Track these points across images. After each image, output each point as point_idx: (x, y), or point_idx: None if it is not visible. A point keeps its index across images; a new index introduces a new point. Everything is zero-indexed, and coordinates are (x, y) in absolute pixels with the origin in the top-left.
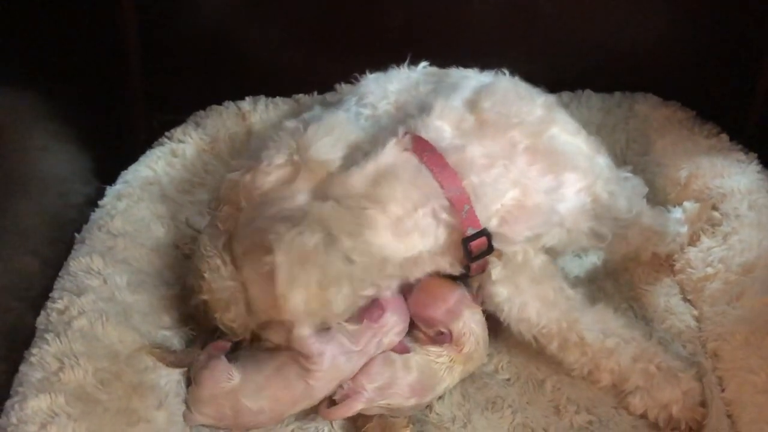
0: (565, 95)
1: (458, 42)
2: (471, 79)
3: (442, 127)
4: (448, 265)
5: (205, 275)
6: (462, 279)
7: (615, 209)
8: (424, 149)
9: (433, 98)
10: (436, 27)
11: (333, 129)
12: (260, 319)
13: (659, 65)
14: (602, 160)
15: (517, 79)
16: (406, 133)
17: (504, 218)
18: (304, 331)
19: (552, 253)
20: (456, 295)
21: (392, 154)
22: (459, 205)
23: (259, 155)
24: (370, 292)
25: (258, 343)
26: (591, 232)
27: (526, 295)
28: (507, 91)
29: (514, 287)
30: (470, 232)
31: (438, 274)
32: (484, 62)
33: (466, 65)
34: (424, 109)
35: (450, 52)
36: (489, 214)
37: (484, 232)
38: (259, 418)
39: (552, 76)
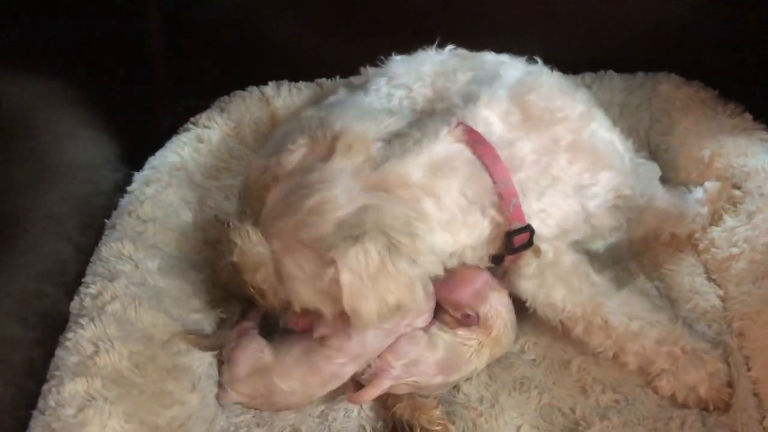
0: (588, 76)
1: (479, 23)
2: (509, 66)
3: (490, 118)
4: (479, 258)
5: (237, 241)
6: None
7: (634, 198)
8: (476, 141)
9: (477, 88)
10: (456, 9)
11: (364, 111)
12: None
13: (681, 45)
14: (628, 157)
15: (552, 70)
16: (459, 124)
17: (542, 218)
18: (366, 332)
19: (574, 245)
20: (482, 277)
21: (446, 144)
22: (508, 199)
23: (284, 143)
24: (438, 277)
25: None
26: (612, 227)
27: (552, 285)
28: (551, 85)
29: (540, 281)
30: (516, 226)
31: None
32: (505, 44)
33: (487, 47)
34: (470, 98)
35: (471, 34)
36: (530, 211)
37: (529, 228)
38: (290, 399)
39: (574, 57)
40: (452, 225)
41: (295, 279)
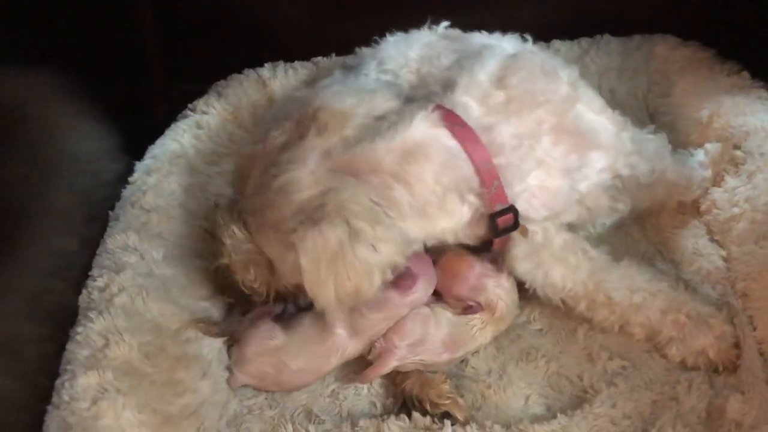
0: (584, 41)
1: None
2: (494, 48)
3: (468, 103)
4: (466, 237)
5: (225, 240)
6: (484, 245)
7: (636, 177)
8: (455, 123)
9: (457, 73)
10: None
11: (351, 88)
12: (289, 282)
13: (677, 5)
14: (625, 135)
15: (539, 49)
16: (437, 107)
17: (526, 198)
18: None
19: (571, 227)
20: (476, 271)
21: (421, 129)
22: (489, 180)
23: (270, 128)
24: (396, 268)
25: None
26: (610, 208)
27: (548, 265)
28: (533, 66)
29: (536, 261)
30: (498, 207)
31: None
32: (501, 12)
33: (483, 16)
34: (449, 85)
35: (466, 4)
36: (513, 194)
37: (512, 209)
38: (299, 377)
39: (570, 22)
40: (427, 211)
41: (273, 258)
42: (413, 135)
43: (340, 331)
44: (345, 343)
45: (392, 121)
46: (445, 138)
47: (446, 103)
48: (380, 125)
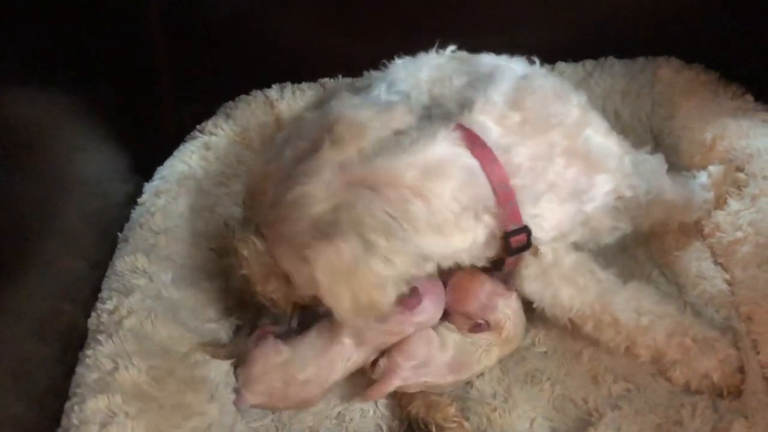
0: (589, 63)
1: (480, 17)
2: (504, 68)
3: (486, 123)
4: (477, 259)
5: (244, 252)
6: (494, 265)
7: (637, 198)
8: (474, 143)
9: (472, 93)
10: (457, 2)
11: (367, 102)
12: (305, 294)
13: (681, 28)
14: (627, 158)
15: (548, 72)
16: (458, 126)
17: (536, 219)
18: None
19: (576, 246)
20: (486, 288)
21: (443, 147)
22: (505, 200)
23: (284, 148)
24: (411, 281)
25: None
26: (612, 228)
27: (557, 286)
28: (545, 89)
29: (545, 282)
30: (513, 227)
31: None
32: (506, 35)
33: (489, 39)
34: (465, 105)
35: (472, 28)
36: (525, 214)
37: (525, 229)
38: (306, 389)
39: (574, 44)
40: (444, 228)
41: (288, 270)
42: (435, 152)
43: (347, 340)
44: (350, 352)
45: (414, 138)
46: (465, 157)
47: (464, 121)
48: (401, 140)
